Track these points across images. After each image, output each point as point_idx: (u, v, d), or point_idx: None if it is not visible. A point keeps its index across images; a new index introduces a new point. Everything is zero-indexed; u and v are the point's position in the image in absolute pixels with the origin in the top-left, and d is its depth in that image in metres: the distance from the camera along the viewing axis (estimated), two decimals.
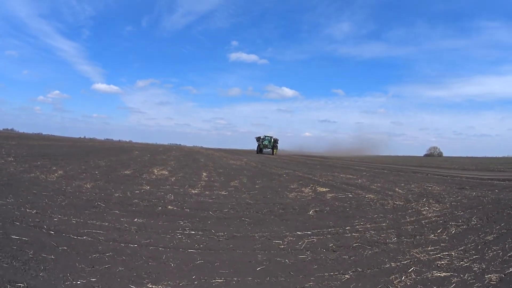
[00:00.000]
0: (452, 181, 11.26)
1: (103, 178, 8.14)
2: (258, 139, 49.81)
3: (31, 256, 3.17)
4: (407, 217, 5.31)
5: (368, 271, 3.14)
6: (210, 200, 6.03)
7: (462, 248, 3.78)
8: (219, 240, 3.97)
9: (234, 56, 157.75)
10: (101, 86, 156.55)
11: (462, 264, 3.27)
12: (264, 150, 48.23)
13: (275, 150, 47.96)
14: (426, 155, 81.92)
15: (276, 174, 12.16)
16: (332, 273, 3.08)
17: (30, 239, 3.61)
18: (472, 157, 61.49)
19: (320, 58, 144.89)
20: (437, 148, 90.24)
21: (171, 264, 3.20)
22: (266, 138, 49.64)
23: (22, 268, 2.92)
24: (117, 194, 6.19)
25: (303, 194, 6.78)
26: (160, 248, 3.60)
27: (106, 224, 4.40)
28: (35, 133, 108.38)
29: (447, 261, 3.36)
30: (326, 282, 2.91)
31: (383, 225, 4.78)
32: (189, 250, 3.58)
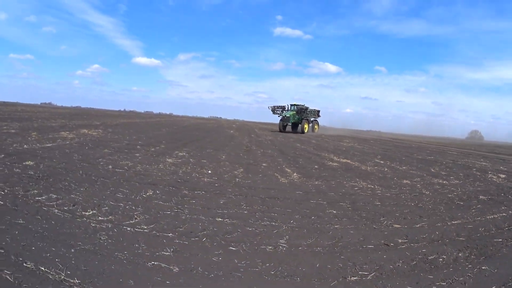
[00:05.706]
0: None
1: (345, 174, 8.09)
2: (276, 110, 32.46)
3: None
4: None
5: None
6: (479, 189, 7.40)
7: None
8: None
9: (278, 30, 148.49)
10: (141, 60, 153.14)
11: None
12: (289, 126, 32.60)
13: (308, 126, 32.38)
14: (467, 138, 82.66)
15: (425, 160, 13.75)
16: None
17: None
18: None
19: (361, 35, 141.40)
20: (478, 132, 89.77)
21: None
22: (293, 107, 32.75)
23: None
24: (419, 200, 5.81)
25: (500, 179, 9.43)
26: None
27: None
28: (74, 106, 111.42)
29: None
30: None
31: None
32: None
